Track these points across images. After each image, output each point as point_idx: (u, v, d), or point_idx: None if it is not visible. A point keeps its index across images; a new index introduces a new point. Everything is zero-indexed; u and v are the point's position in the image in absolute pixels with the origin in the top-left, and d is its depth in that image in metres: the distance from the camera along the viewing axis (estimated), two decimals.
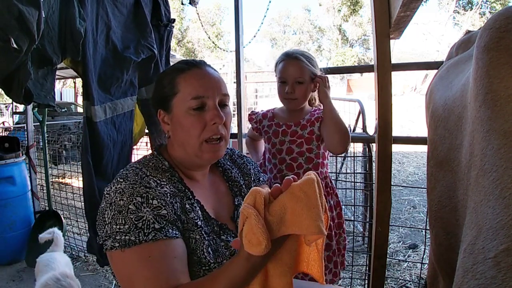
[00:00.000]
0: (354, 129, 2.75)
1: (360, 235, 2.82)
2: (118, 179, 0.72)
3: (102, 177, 1.48)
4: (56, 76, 1.47)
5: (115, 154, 1.54)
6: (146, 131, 1.84)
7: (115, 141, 1.53)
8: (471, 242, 0.51)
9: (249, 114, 1.44)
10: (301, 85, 1.26)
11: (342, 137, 1.21)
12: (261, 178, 1.01)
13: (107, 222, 0.68)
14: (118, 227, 0.66)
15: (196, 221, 0.75)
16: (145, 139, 2.09)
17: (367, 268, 1.86)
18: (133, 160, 1.72)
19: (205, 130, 0.79)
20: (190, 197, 0.79)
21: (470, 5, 18.79)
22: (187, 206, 0.76)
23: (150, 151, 2.29)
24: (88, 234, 2.70)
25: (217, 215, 0.85)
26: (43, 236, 1.81)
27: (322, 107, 1.31)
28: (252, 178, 0.98)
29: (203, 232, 0.75)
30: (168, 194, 0.73)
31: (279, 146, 1.30)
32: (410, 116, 8.83)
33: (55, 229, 1.85)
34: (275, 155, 1.31)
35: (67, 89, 13.19)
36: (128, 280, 0.67)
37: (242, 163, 1.01)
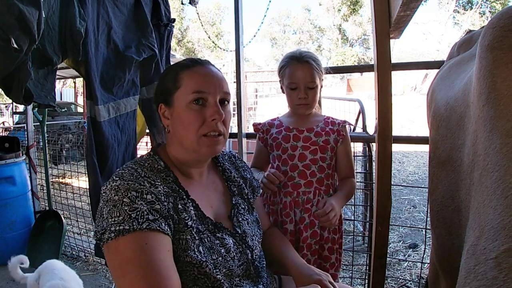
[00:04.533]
0: (354, 129, 2.75)
1: (360, 234, 2.82)
2: (114, 177, 0.74)
3: (108, 179, 1.47)
4: (56, 76, 1.46)
5: (120, 155, 1.54)
6: (147, 131, 1.84)
7: (119, 141, 1.53)
8: (474, 243, 0.51)
9: (253, 125, 1.38)
10: (312, 90, 1.22)
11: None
12: (254, 184, 1.03)
13: (104, 218, 0.69)
14: (113, 219, 0.67)
15: (187, 221, 0.75)
16: (145, 138, 2.08)
17: (367, 268, 1.86)
18: None
19: (203, 125, 0.80)
20: (184, 196, 0.79)
21: (470, 5, 18.79)
22: (180, 206, 0.76)
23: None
24: (87, 235, 2.71)
25: (215, 213, 0.86)
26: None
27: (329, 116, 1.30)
28: (248, 184, 1.00)
29: (193, 232, 0.75)
30: (162, 194, 0.74)
31: (291, 152, 1.23)
32: (410, 116, 8.84)
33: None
34: (286, 161, 1.23)
35: (67, 89, 13.18)
36: (121, 270, 0.66)
37: (241, 166, 1.03)
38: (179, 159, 0.85)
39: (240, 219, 0.89)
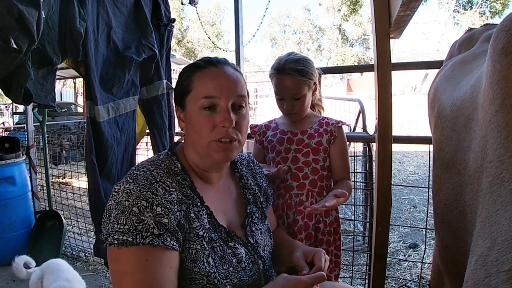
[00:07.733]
0: (354, 129, 2.75)
1: (360, 234, 2.82)
2: (128, 179, 0.72)
3: (107, 179, 1.47)
4: (56, 76, 1.46)
5: (119, 155, 1.54)
6: (147, 131, 1.84)
7: (119, 141, 1.53)
8: (484, 254, 0.49)
9: (250, 127, 1.36)
10: (298, 100, 1.21)
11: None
12: (269, 192, 1.01)
13: (111, 220, 0.69)
14: (118, 226, 0.67)
15: (198, 231, 0.74)
16: (145, 139, 2.08)
17: (368, 268, 1.86)
18: (136, 161, 1.72)
19: (214, 131, 0.77)
20: (198, 204, 0.77)
21: (470, 4, 18.83)
22: (192, 214, 0.75)
23: (150, 152, 2.29)
24: (88, 235, 2.71)
25: (228, 220, 0.84)
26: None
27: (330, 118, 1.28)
28: (263, 192, 0.98)
29: (204, 242, 0.74)
30: (175, 202, 0.73)
31: (284, 154, 1.23)
32: (410, 116, 8.84)
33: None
34: (279, 163, 1.23)
35: (67, 89, 13.20)
36: (119, 279, 0.67)
37: (258, 172, 1.00)
38: (196, 163, 0.83)
39: (254, 228, 0.87)
